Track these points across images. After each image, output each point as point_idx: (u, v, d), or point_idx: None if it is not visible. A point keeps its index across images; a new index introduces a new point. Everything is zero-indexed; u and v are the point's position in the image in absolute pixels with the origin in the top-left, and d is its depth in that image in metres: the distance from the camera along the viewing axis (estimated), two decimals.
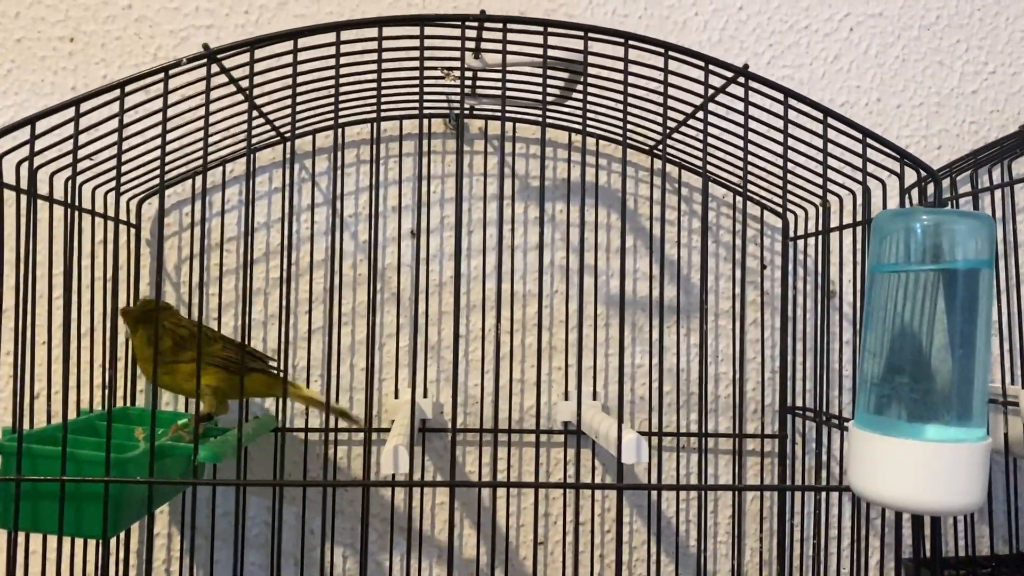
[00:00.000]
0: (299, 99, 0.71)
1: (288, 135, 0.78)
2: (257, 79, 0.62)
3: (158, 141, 0.63)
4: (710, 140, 0.64)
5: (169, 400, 0.80)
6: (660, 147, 0.80)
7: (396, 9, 0.82)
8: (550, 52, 0.59)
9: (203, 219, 0.58)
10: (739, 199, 0.83)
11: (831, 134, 0.60)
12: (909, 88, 0.87)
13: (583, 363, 0.82)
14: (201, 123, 0.68)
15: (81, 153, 0.58)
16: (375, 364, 0.81)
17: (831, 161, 0.62)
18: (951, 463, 0.49)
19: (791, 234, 0.80)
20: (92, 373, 0.72)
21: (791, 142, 0.61)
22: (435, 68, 0.68)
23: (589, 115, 0.77)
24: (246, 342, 0.60)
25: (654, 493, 0.82)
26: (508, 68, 0.60)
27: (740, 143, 0.69)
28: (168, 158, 0.73)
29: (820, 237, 0.70)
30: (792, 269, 0.80)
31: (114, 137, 0.58)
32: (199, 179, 0.79)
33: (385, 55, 0.60)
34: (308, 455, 0.80)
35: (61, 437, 0.59)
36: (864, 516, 0.76)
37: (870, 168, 0.60)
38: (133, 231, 0.77)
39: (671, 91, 0.62)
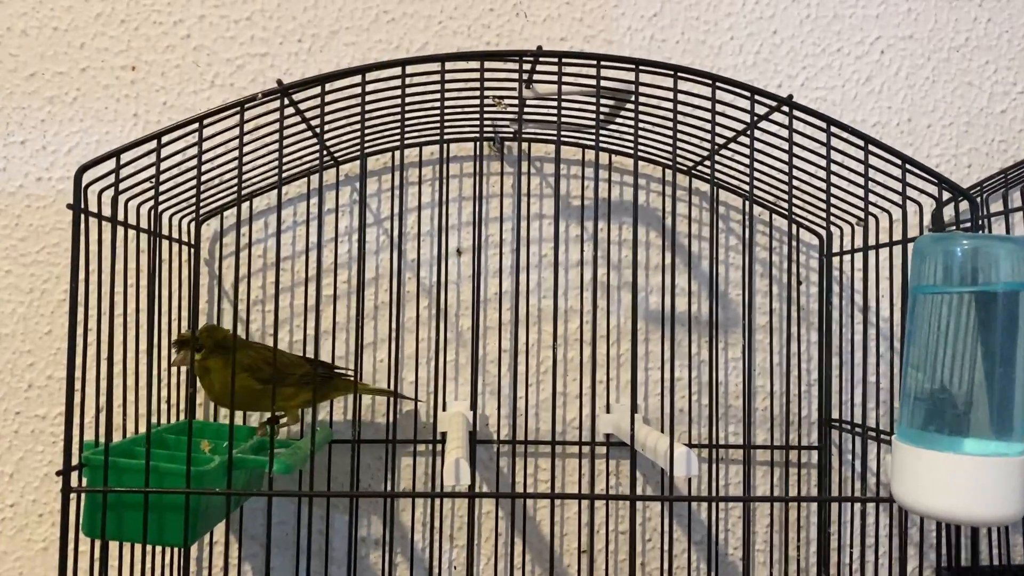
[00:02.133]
0: (357, 127, 0.74)
1: (341, 159, 0.82)
2: (328, 107, 0.65)
3: (218, 167, 0.67)
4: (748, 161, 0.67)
5: (226, 412, 0.83)
6: (700, 168, 0.83)
7: (440, 35, 0.85)
8: (601, 82, 0.62)
9: (278, 236, 0.61)
10: (776, 216, 0.85)
11: (869, 158, 0.62)
12: (939, 108, 0.89)
13: (622, 377, 0.85)
14: (260, 151, 0.72)
15: (148, 178, 0.61)
16: (425, 376, 0.84)
17: (870, 182, 0.65)
18: (991, 476, 0.52)
19: (829, 251, 0.82)
20: (159, 389, 0.76)
21: (845, 160, 0.64)
22: (487, 96, 0.71)
23: (630, 137, 0.80)
24: (315, 355, 0.64)
25: (696, 503, 0.84)
26: (562, 97, 0.63)
27: (776, 163, 0.72)
28: (223, 181, 0.77)
29: (861, 255, 0.73)
30: (827, 285, 0.83)
31: (182, 164, 0.62)
32: (255, 201, 0.82)
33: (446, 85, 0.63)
34: (360, 465, 0.83)
35: (138, 451, 0.63)
36: (902, 527, 0.78)
37: (907, 190, 0.62)
38: (192, 251, 0.80)
39: (726, 110, 0.65)
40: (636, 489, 0.85)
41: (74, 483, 0.58)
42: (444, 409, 0.84)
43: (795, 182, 0.74)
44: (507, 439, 0.85)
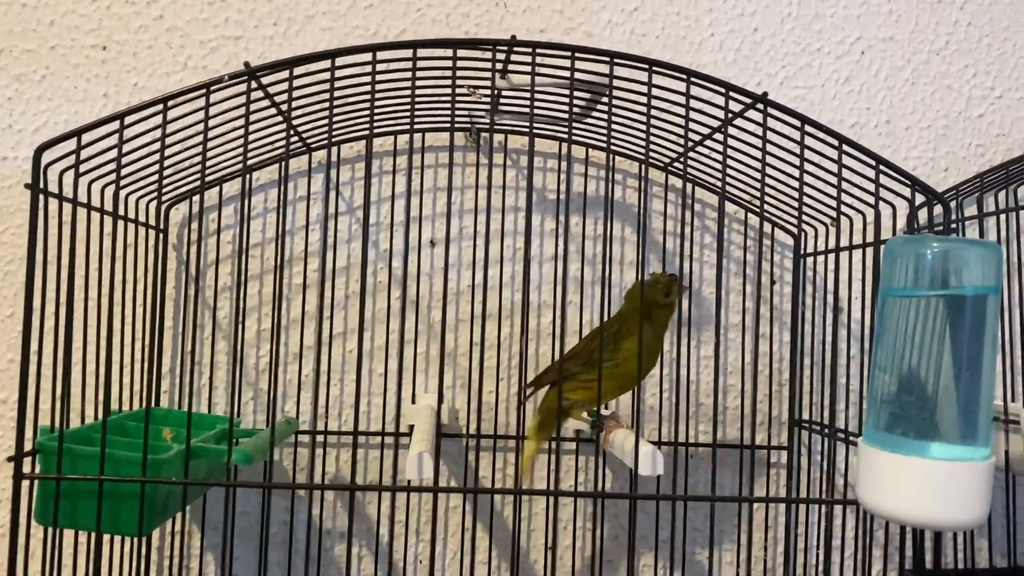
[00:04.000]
0: (323, 113, 0.73)
1: (314, 145, 0.80)
2: (297, 92, 0.64)
3: (186, 149, 0.65)
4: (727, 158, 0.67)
5: (193, 401, 0.82)
6: (675, 165, 0.82)
7: (418, 23, 0.84)
8: (576, 74, 0.61)
9: (248, 222, 0.60)
10: (751, 216, 0.85)
11: (844, 159, 0.62)
12: (918, 111, 0.89)
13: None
14: (230, 134, 0.70)
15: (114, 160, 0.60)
16: (393, 369, 0.83)
17: (843, 183, 0.64)
18: (956, 481, 0.51)
19: (802, 251, 0.82)
20: (122, 374, 0.74)
21: (806, 164, 0.63)
22: (461, 86, 0.71)
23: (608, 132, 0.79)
24: (275, 345, 0.62)
25: (663, 501, 0.84)
26: (536, 89, 0.62)
27: (752, 162, 0.71)
28: (192, 164, 0.76)
29: (834, 256, 0.73)
30: (802, 285, 0.82)
31: (147, 145, 0.60)
32: (223, 187, 0.81)
33: (417, 72, 0.62)
34: (325, 458, 0.82)
35: (95, 437, 0.61)
36: (867, 528, 0.78)
37: (881, 191, 0.62)
38: (160, 235, 0.79)
39: (701, 105, 0.64)
40: (604, 486, 0.85)
41: (27, 470, 0.57)
42: (414, 402, 0.83)
43: (771, 181, 0.73)
44: (475, 433, 0.84)
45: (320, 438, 0.82)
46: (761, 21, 0.88)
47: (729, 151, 0.72)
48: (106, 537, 0.71)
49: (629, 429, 0.68)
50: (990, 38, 0.90)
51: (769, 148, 0.63)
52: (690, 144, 0.73)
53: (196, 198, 0.82)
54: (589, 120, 0.78)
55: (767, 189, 0.78)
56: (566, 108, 0.75)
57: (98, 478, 0.56)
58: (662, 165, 0.83)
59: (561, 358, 0.68)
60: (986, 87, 0.90)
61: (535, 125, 0.81)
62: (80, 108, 0.81)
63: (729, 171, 0.79)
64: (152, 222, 0.78)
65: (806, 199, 0.74)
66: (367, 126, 0.79)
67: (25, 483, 0.56)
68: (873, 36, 0.89)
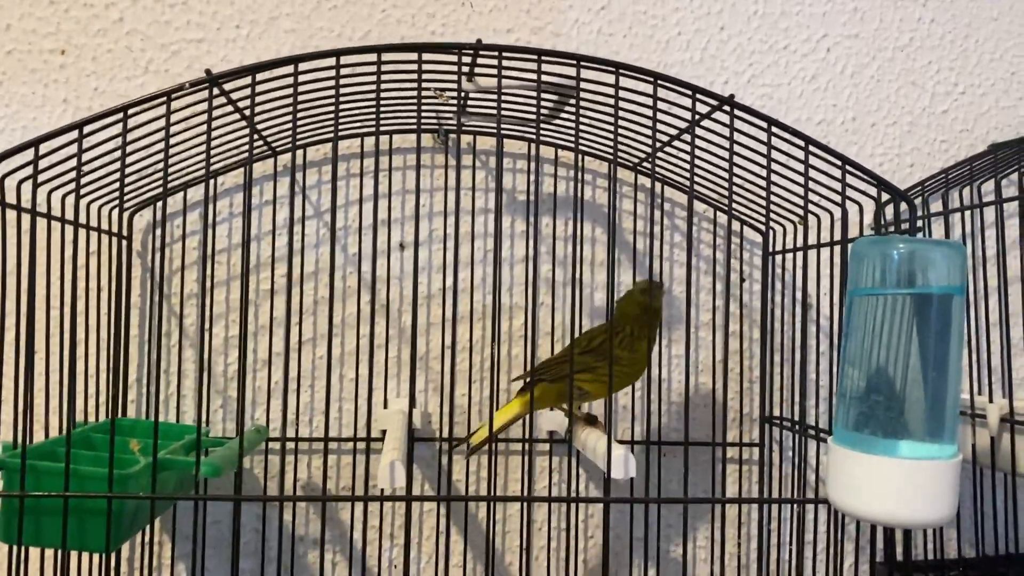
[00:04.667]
0: (285, 118, 0.72)
1: (280, 149, 0.79)
2: (260, 97, 0.63)
3: (149, 156, 0.64)
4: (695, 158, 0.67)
5: (161, 411, 0.81)
6: (644, 165, 0.82)
7: (383, 24, 0.83)
8: (543, 77, 0.61)
9: (213, 228, 0.59)
10: (720, 215, 0.85)
11: (811, 158, 0.62)
12: (883, 107, 0.90)
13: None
14: (194, 140, 0.69)
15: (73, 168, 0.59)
16: (364, 374, 0.82)
17: (811, 182, 0.65)
18: (924, 479, 0.52)
19: (771, 249, 0.82)
20: (87, 385, 0.73)
21: (773, 164, 0.63)
22: (427, 88, 0.70)
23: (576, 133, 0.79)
24: (242, 353, 0.61)
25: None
26: (503, 91, 0.61)
27: (720, 161, 0.72)
28: (155, 170, 0.74)
29: (801, 253, 0.73)
30: (771, 283, 0.83)
31: (110, 153, 0.59)
32: (189, 192, 0.80)
33: (382, 76, 0.62)
34: (297, 464, 0.81)
35: (59, 452, 0.60)
36: (839, 524, 0.78)
37: (847, 190, 0.62)
38: (124, 243, 0.78)
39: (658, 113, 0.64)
40: (578, 488, 0.85)
41: None
42: (386, 407, 0.82)
43: (739, 180, 0.73)
44: (447, 437, 0.84)
45: (291, 445, 0.81)
46: (728, 20, 0.88)
47: (697, 151, 0.72)
48: (73, 553, 0.70)
49: (603, 432, 0.68)
50: (952, 34, 0.91)
51: (737, 148, 0.63)
52: (658, 145, 0.73)
53: (160, 204, 0.80)
54: (558, 120, 0.77)
55: (735, 187, 0.78)
56: (534, 109, 0.74)
57: (63, 495, 0.54)
58: (631, 165, 0.83)
59: (571, 351, 0.67)
60: (950, 83, 0.91)
61: (503, 126, 0.81)
62: (39, 114, 0.80)
63: (698, 170, 0.79)
64: (115, 229, 0.76)
65: (774, 197, 0.75)
66: (332, 129, 0.78)
67: None
68: (839, 33, 0.89)
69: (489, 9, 0.85)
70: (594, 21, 0.86)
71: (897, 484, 0.52)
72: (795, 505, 0.79)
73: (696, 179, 0.80)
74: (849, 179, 0.62)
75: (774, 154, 0.62)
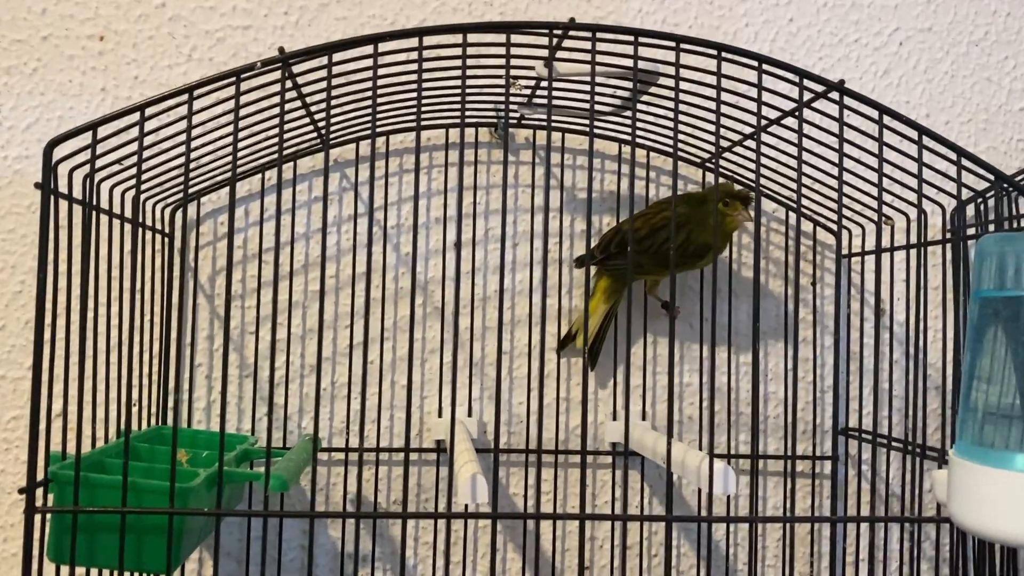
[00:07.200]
0: (347, 106, 0.68)
1: (335, 141, 0.75)
2: (319, 84, 0.59)
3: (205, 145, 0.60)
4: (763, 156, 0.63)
5: (201, 419, 0.76)
6: (726, 155, 0.78)
7: (438, 15, 0.79)
8: (622, 61, 0.57)
9: (260, 225, 0.55)
10: (791, 215, 0.81)
11: (890, 153, 0.58)
12: (958, 104, 0.86)
13: (632, 381, 0.80)
14: (255, 128, 0.65)
15: (121, 158, 0.54)
16: (418, 379, 0.78)
17: (904, 176, 0.61)
18: None
19: (844, 251, 0.78)
20: (131, 391, 0.68)
21: (867, 158, 0.59)
22: (514, 76, 0.65)
23: (642, 126, 0.75)
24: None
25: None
26: (585, 77, 0.57)
27: (789, 159, 0.67)
28: (201, 163, 0.70)
29: (887, 255, 0.69)
30: (847, 287, 0.79)
31: (162, 142, 0.55)
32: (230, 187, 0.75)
33: (447, 62, 0.58)
34: (347, 476, 0.76)
35: (109, 463, 0.56)
36: (916, 541, 0.74)
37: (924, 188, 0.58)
38: (167, 240, 0.73)
39: (744, 102, 0.60)
40: (643, 502, 0.80)
41: (39, 502, 0.51)
42: (440, 416, 0.78)
43: (811, 173, 0.69)
44: (505, 448, 0.79)
45: (339, 455, 0.76)
46: (796, 11, 0.84)
47: (765, 147, 0.68)
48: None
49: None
50: None
51: (830, 140, 0.59)
52: (746, 134, 0.69)
53: (201, 200, 0.76)
54: (628, 114, 0.73)
55: (809, 183, 0.74)
56: (606, 99, 0.70)
57: (120, 510, 0.50)
58: (698, 161, 0.79)
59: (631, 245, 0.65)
60: None
61: (563, 119, 0.76)
62: (76, 103, 0.75)
63: (766, 168, 0.74)
64: (159, 226, 0.72)
65: (853, 194, 0.71)
66: (400, 120, 0.74)
67: (38, 517, 0.50)
68: (911, 27, 0.85)
69: None
70: (658, 11, 0.82)
71: None
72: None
73: (763, 176, 0.75)
74: (927, 175, 0.57)
75: (866, 145, 0.58)
